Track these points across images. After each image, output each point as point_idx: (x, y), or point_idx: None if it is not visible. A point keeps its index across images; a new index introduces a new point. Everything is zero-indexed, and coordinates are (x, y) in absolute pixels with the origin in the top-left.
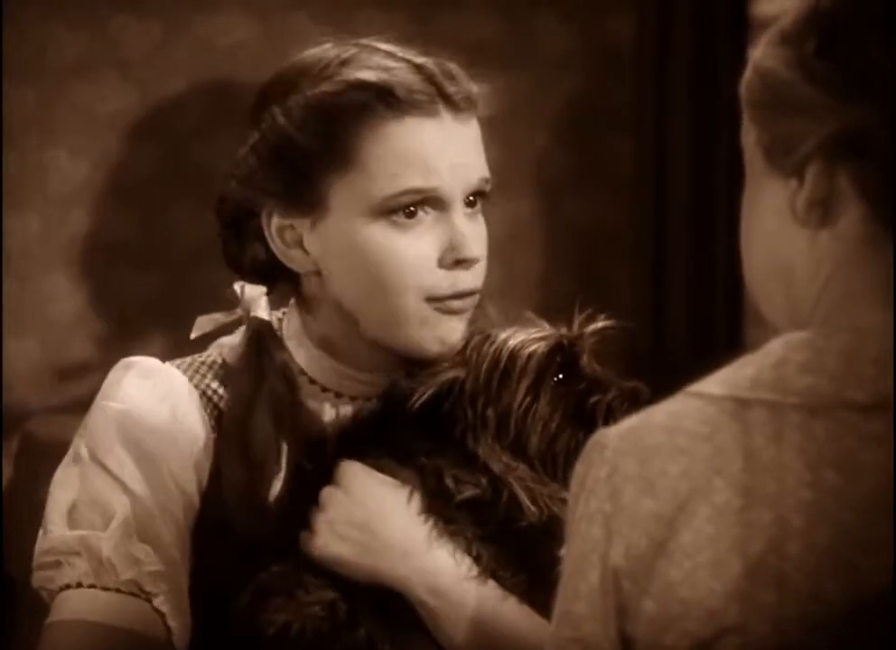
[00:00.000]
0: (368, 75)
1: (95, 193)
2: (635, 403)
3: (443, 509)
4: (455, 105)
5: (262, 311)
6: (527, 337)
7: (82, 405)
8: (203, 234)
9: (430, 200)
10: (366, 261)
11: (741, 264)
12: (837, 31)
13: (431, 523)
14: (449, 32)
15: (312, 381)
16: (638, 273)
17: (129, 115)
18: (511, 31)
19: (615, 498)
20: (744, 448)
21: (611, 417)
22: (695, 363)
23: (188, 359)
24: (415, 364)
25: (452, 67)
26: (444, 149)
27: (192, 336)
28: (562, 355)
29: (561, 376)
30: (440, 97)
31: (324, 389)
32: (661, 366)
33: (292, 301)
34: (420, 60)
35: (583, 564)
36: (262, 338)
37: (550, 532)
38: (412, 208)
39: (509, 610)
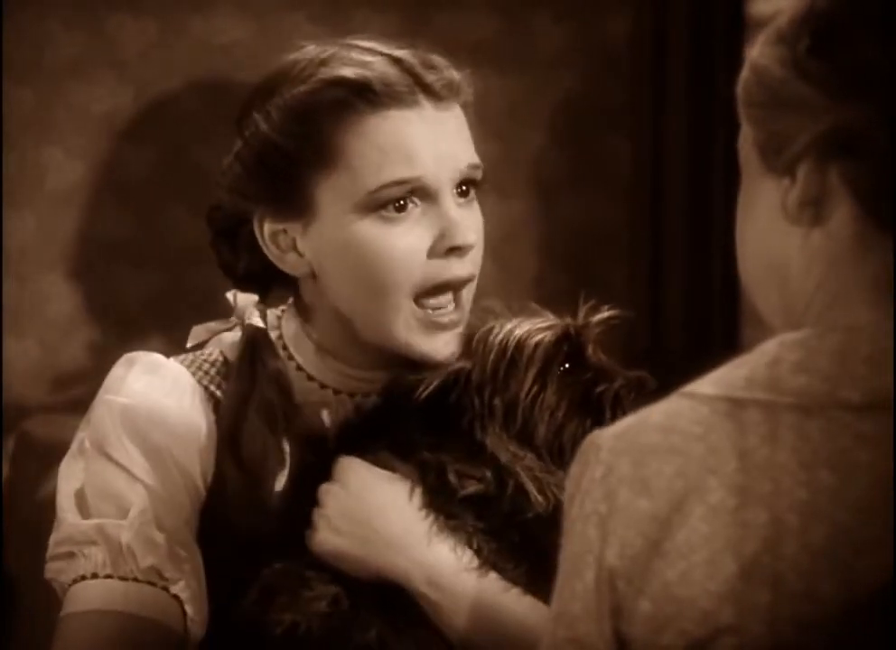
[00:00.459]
0: (344, 71)
1: (92, 193)
2: (641, 392)
3: (444, 505)
4: (435, 93)
5: (256, 318)
6: (532, 326)
7: (80, 405)
8: (201, 233)
9: (417, 191)
10: (358, 258)
11: (737, 263)
12: (832, 30)
13: (431, 518)
14: (446, 33)
15: (311, 378)
16: (634, 272)
17: (126, 114)
18: (508, 31)
19: (610, 499)
20: (739, 448)
21: (618, 406)
22: (691, 363)
23: (190, 356)
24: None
25: (434, 57)
26: (427, 138)
27: (188, 345)
28: (568, 344)
29: (567, 365)
30: (419, 87)
31: (323, 386)
32: (658, 366)
33: (290, 300)
34: (399, 52)
35: (578, 565)
36: (256, 346)
37: (556, 521)
38: (401, 202)
39: (512, 601)
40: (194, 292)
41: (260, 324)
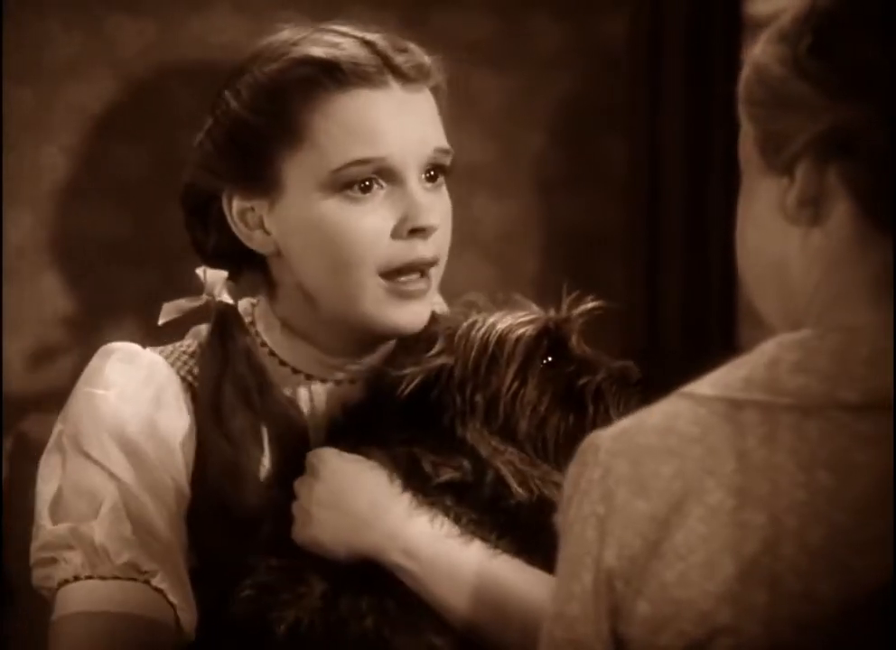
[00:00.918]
0: (314, 51)
1: (91, 192)
2: (625, 383)
3: (420, 488)
4: (404, 75)
5: (226, 295)
6: (514, 321)
7: None
8: None
9: (383, 172)
10: (322, 237)
11: (735, 264)
12: (832, 30)
13: (408, 495)
14: (443, 32)
15: (283, 363)
16: (632, 272)
17: (125, 114)
18: (506, 31)
19: (608, 500)
20: (737, 449)
21: (599, 398)
22: (689, 363)
23: (168, 347)
24: (398, 349)
25: (407, 42)
26: (394, 119)
27: (160, 322)
28: (550, 337)
29: (550, 358)
30: (388, 69)
31: (295, 371)
32: (655, 367)
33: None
34: (371, 36)
35: (576, 566)
36: (226, 322)
37: (541, 509)
38: (366, 183)
39: (500, 566)
40: (192, 291)
41: (229, 301)
